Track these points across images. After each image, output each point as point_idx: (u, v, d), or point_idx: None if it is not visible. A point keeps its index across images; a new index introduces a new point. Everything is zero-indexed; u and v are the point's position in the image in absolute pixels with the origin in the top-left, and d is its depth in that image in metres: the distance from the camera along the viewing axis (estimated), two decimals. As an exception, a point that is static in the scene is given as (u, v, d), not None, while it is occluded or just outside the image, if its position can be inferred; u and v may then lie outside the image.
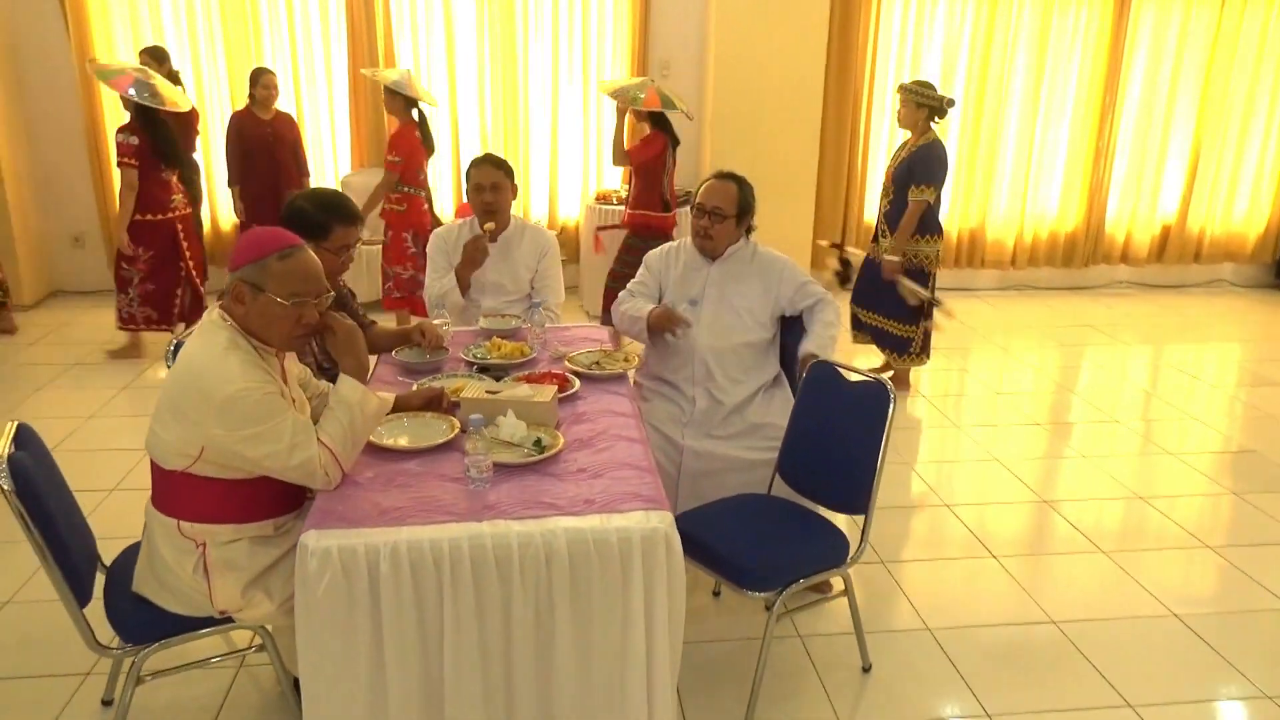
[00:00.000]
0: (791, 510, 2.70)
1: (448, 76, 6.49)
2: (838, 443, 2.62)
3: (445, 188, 6.67)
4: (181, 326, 5.27)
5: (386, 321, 4.14)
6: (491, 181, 3.46)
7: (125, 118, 4.96)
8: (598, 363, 2.90)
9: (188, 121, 5.76)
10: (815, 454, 2.70)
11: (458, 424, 2.39)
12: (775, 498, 2.79)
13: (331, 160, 6.61)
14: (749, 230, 3.18)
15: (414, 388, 2.65)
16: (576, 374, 2.79)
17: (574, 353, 2.97)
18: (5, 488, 1.94)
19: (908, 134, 4.71)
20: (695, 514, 2.64)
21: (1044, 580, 3.22)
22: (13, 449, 2.04)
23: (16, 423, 2.14)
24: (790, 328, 3.19)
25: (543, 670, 1.98)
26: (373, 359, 3.04)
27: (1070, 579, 3.25)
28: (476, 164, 3.49)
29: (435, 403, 2.50)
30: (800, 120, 6.49)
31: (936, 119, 4.63)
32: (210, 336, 2.04)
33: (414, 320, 4.62)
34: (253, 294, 2.04)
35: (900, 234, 4.62)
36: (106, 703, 2.51)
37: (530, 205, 6.77)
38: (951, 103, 4.64)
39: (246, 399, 1.96)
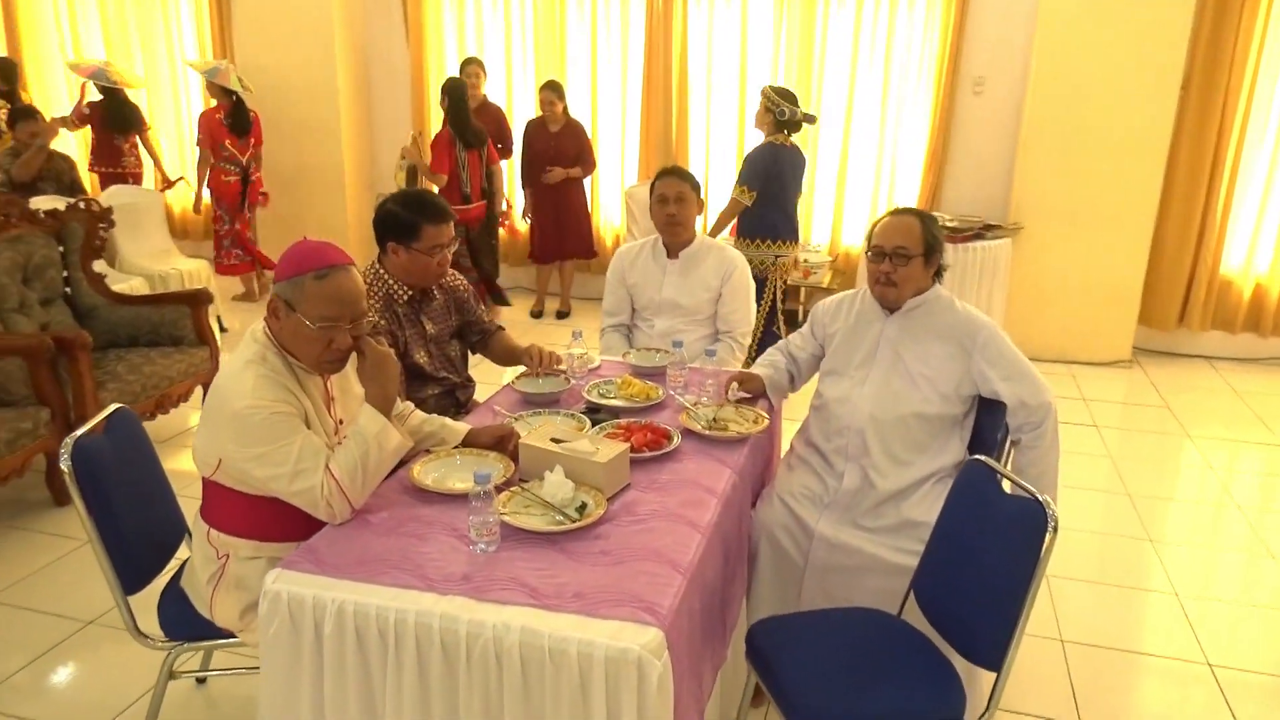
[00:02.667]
0: (913, 642, 2.12)
1: (739, 94, 6.26)
2: (978, 567, 2.01)
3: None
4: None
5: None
6: (676, 193, 3.21)
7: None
8: (717, 419, 2.51)
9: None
10: (951, 576, 2.10)
11: (513, 470, 2.17)
12: (901, 622, 2.22)
13: (619, 171, 6.68)
14: (938, 274, 2.60)
15: (507, 420, 2.46)
16: (689, 431, 2.43)
17: (701, 404, 2.60)
18: (64, 469, 2.04)
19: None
20: (780, 623, 2.17)
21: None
22: (99, 433, 2.16)
23: (115, 407, 2.27)
24: (990, 406, 2.56)
25: (492, 781, 1.68)
26: (496, 386, 2.90)
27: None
28: (662, 175, 3.27)
29: (504, 443, 2.29)
30: (1140, 147, 5.40)
31: (789, 130, 4.60)
32: (242, 349, 1.99)
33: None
34: (286, 311, 1.96)
35: (713, 229, 4.77)
36: (200, 680, 2.62)
37: (811, 232, 6.34)
38: (809, 118, 4.69)
39: (253, 417, 1.88)
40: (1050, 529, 1.84)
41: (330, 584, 1.73)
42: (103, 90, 6.46)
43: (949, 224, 5.50)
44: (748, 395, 2.72)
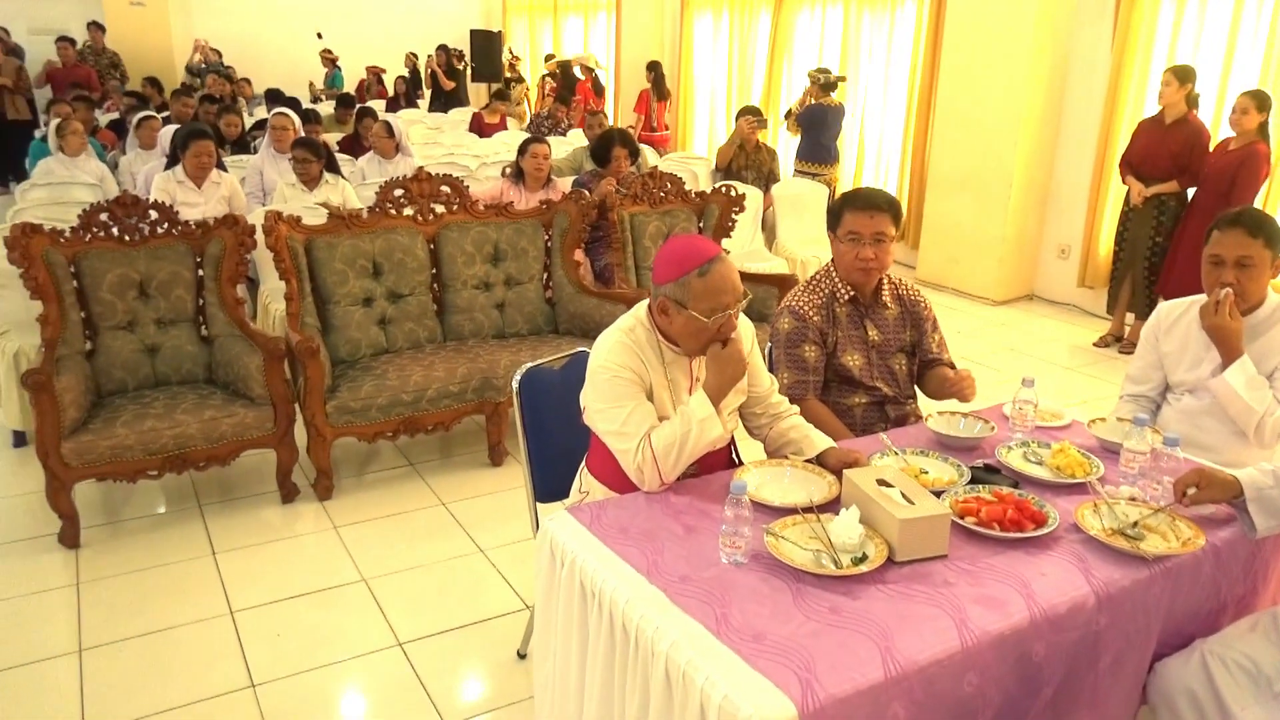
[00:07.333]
0: None
1: None
2: None
3: None
4: None
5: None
6: (1238, 256, 2.45)
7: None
8: (1138, 524, 1.92)
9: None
10: None
11: (834, 496, 2.03)
12: None
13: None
14: None
15: (887, 450, 2.27)
16: (1079, 528, 1.93)
17: (1131, 501, 2.02)
18: (514, 387, 2.57)
19: None
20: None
21: None
22: (556, 367, 2.65)
23: (579, 350, 2.73)
24: None
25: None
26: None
27: None
28: (1224, 226, 2.49)
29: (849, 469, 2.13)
30: None
31: (829, 91, 7.05)
32: (624, 316, 2.23)
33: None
34: (677, 309, 2.11)
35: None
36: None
37: None
38: (842, 78, 7.23)
39: (600, 375, 2.13)
40: None
41: (584, 538, 1.90)
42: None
43: None
44: (1204, 505, 2.00)
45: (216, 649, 2.75)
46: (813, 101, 7.06)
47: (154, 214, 3.69)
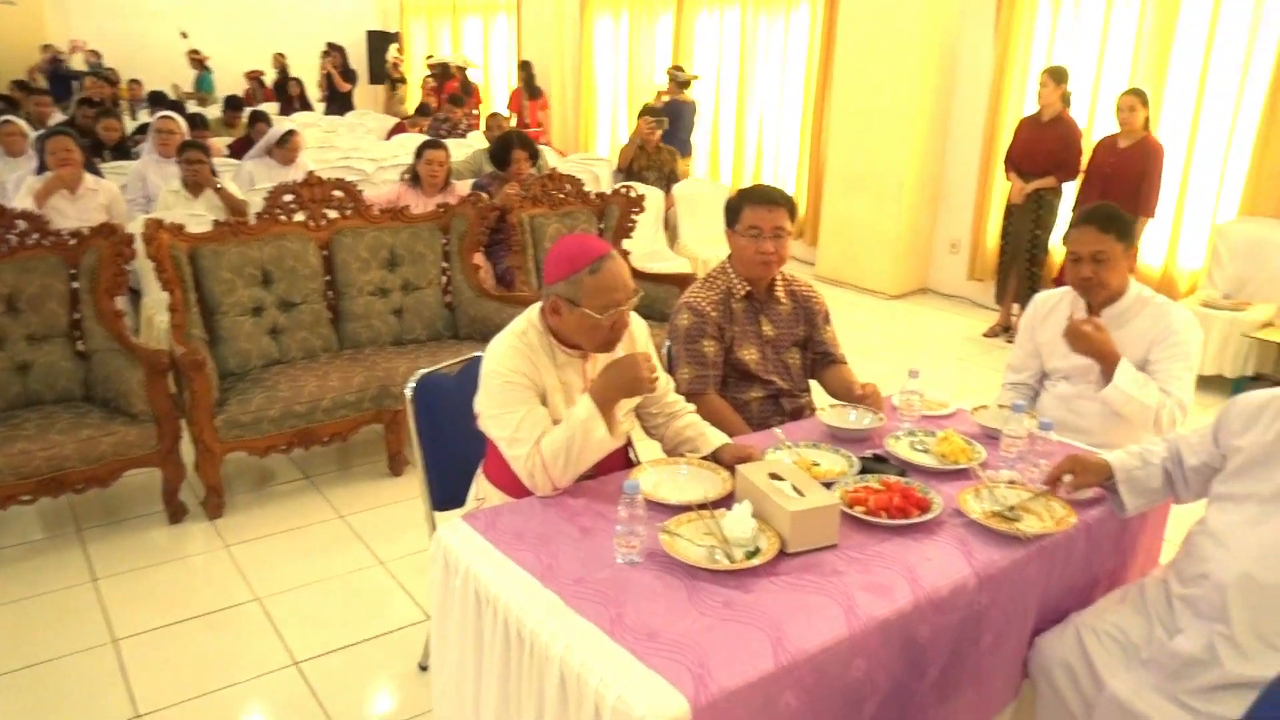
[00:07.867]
0: None
1: None
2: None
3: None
4: None
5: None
6: (1093, 251, 2.56)
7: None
8: (1013, 509, 2.01)
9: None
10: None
11: (729, 491, 2.05)
12: None
13: (1212, 202, 5.46)
14: None
15: (780, 444, 2.30)
16: (962, 512, 2.00)
17: (1009, 485, 2.11)
18: (407, 394, 2.52)
19: None
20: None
21: None
22: (450, 373, 2.61)
23: (475, 355, 2.69)
24: None
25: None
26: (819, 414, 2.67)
27: None
28: (1079, 224, 2.60)
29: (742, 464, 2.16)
30: None
31: (681, 88, 7.80)
32: (516, 320, 2.22)
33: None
34: (569, 308, 2.11)
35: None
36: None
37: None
38: (694, 77, 8.10)
39: (492, 381, 2.11)
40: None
41: (478, 545, 1.88)
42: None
43: None
44: (1081, 489, 2.09)
45: (98, 680, 2.61)
46: (667, 99, 7.64)
47: (21, 224, 3.50)
